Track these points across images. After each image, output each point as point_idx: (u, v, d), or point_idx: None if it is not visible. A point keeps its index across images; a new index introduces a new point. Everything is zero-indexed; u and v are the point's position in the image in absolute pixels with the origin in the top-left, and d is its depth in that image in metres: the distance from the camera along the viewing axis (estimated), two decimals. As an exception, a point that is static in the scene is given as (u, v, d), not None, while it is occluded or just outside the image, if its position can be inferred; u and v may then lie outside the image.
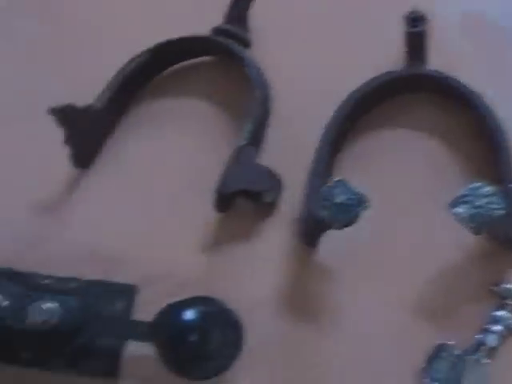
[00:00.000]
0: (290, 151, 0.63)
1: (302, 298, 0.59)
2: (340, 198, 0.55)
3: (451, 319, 0.56)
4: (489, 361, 0.54)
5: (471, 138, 0.62)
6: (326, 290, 0.58)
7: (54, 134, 0.62)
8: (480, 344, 0.55)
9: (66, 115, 0.61)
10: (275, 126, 0.64)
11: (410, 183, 0.61)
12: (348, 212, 0.55)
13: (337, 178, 0.56)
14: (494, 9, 0.68)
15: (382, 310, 0.57)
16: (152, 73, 0.67)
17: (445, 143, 0.62)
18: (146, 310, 0.57)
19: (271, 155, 0.62)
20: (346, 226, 0.55)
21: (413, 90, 0.64)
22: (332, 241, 0.58)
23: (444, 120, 0.63)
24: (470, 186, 0.55)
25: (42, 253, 0.62)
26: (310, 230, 0.57)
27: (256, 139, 0.62)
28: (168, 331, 0.53)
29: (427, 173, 0.61)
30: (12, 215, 0.64)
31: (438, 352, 0.54)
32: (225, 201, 0.60)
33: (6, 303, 0.56)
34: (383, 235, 0.59)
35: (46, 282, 0.60)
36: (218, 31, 0.66)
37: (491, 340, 0.55)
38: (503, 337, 0.55)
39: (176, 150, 0.65)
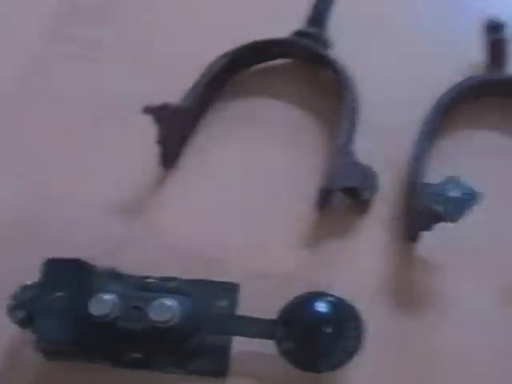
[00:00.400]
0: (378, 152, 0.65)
1: (405, 291, 0.60)
2: (454, 193, 0.57)
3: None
4: None
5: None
6: (429, 284, 0.60)
7: (137, 135, 0.63)
8: None
9: (161, 114, 0.61)
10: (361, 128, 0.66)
11: None
12: (461, 206, 0.57)
13: (449, 176, 0.58)
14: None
15: (482, 295, 0.59)
16: (235, 73, 0.68)
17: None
18: (249, 308, 0.58)
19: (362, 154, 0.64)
20: (456, 220, 0.57)
21: (493, 95, 0.66)
22: (430, 236, 0.61)
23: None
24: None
25: (133, 253, 0.62)
26: (423, 224, 0.59)
27: (351, 139, 0.63)
28: (301, 324, 0.53)
29: None
30: (101, 215, 0.63)
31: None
32: (327, 198, 0.61)
33: (118, 302, 0.56)
34: (484, 229, 0.61)
35: (149, 281, 0.60)
36: (300, 34, 0.67)
37: None
38: None
39: (260, 150, 0.66)
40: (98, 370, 0.58)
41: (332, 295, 0.55)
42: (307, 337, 0.53)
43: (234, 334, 0.57)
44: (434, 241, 0.61)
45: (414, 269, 0.61)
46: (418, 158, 0.61)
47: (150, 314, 0.54)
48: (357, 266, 0.61)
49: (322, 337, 0.53)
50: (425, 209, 0.58)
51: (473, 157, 0.64)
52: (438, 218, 0.57)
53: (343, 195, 0.62)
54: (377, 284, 0.60)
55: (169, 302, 0.55)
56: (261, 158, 0.65)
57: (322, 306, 0.54)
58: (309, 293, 0.55)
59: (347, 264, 0.61)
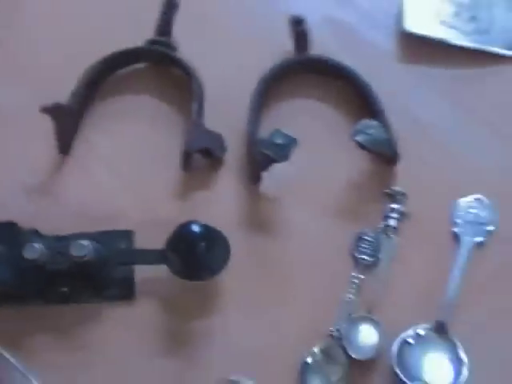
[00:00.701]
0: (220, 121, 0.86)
1: (256, 221, 0.82)
2: (279, 140, 0.79)
3: (363, 215, 0.82)
4: (394, 236, 0.80)
5: (354, 103, 0.88)
6: (273, 214, 0.82)
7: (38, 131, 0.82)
8: (386, 226, 0.81)
9: (55, 112, 0.80)
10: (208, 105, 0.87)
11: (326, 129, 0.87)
12: (285, 150, 0.79)
13: (275, 129, 0.80)
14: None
15: (313, 218, 0.82)
16: (108, 76, 0.88)
17: (335, 110, 0.89)
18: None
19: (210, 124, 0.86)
20: (284, 160, 0.79)
21: (302, 72, 0.89)
22: (269, 178, 0.83)
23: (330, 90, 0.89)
24: (362, 122, 0.81)
25: (44, 222, 0.80)
26: (260, 166, 0.80)
27: (200, 114, 0.84)
28: (183, 244, 0.74)
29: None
30: (15, 194, 0.82)
31: (360, 236, 0.80)
32: (189, 160, 0.82)
33: (45, 250, 0.74)
34: (304, 169, 0.84)
35: (63, 235, 0.78)
36: (153, 42, 0.88)
37: (392, 222, 0.81)
38: (400, 220, 0.81)
39: (134, 133, 0.87)
40: (32, 312, 0.76)
41: (205, 224, 0.76)
42: (188, 252, 0.74)
43: (134, 263, 0.77)
44: (273, 181, 0.83)
45: (260, 204, 0.83)
46: (252, 121, 0.84)
47: (70, 251, 0.73)
48: (218, 208, 0.82)
49: (199, 250, 0.74)
50: (259, 155, 0.79)
51: (291, 116, 0.87)
52: (270, 160, 0.79)
53: (201, 156, 0.83)
54: (234, 219, 0.82)
55: (84, 242, 0.74)
56: (135, 140, 0.86)
57: (195, 228, 0.74)
58: (185, 222, 0.75)
59: (211, 207, 0.82)
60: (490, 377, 0.74)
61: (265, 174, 0.83)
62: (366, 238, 0.80)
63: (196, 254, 0.74)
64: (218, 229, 0.76)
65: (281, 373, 0.74)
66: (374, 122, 0.81)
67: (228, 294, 0.78)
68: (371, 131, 0.80)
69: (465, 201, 0.83)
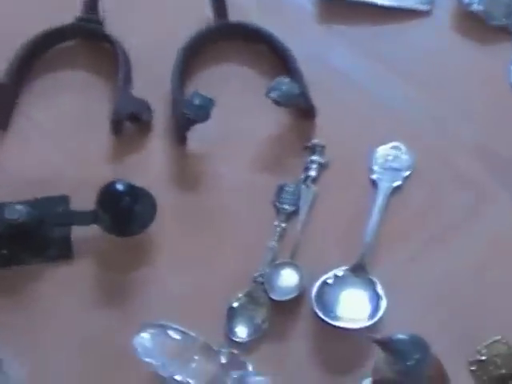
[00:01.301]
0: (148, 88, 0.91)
1: (185, 178, 0.87)
2: (197, 101, 0.83)
3: (284, 168, 0.86)
4: (314, 186, 0.85)
5: (273, 65, 0.92)
6: (201, 170, 0.87)
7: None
8: (306, 176, 0.85)
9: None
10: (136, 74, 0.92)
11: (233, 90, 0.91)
12: (203, 110, 0.83)
13: (194, 91, 0.84)
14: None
15: (239, 172, 0.86)
16: (41, 53, 0.92)
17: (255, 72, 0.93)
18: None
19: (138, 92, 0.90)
20: (205, 119, 0.84)
21: (223, 38, 0.94)
22: (195, 138, 0.87)
23: (250, 54, 0.94)
24: (275, 80, 0.86)
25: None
26: (181, 128, 0.85)
27: (128, 83, 0.89)
28: (107, 202, 0.78)
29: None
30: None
31: (282, 187, 0.84)
32: (119, 126, 0.87)
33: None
34: (228, 127, 0.89)
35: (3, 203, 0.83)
36: (81, 19, 0.92)
37: (312, 173, 0.85)
38: (319, 170, 0.86)
39: (68, 105, 0.91)
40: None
41: (129, 183, 0.81)
42: (114, 209, 0.79)
43: (68, 225, 0.82)
44: (199, 140, 0.87)
45: (188, 162, 0.88)
46: (176, 87, 0.88)
47: (5, 215, 0.78)
48: (149, 169, 0.87)
49: (123, 206, 0.78)
50: (181, 116, 0.84)
51: (214, 80, 0.92)
52: (191, 120, 0.84)
53: (130, 122, 0.88)
54: (164, 178, 0.87)
55: (17, 206, 0.79)
56: (70, 110, 0.91)
57: (119, 186, 0.79)
58: (109, 181, 0.80)
59: (142, 169, 0.87)
60: (407, 311, 0.79)
61: (191, 135, 0.87)
62: (287, 188, 0.85)
63: (121, 210, 0.79)
64: (146, 187, 0.81)
65: (210, 317, 0.79)
66: (286, 79, 0.85)
67: (160, 246, 0.83)
68: (284, 87, 0.84)
69: (383, 149, 0.87)
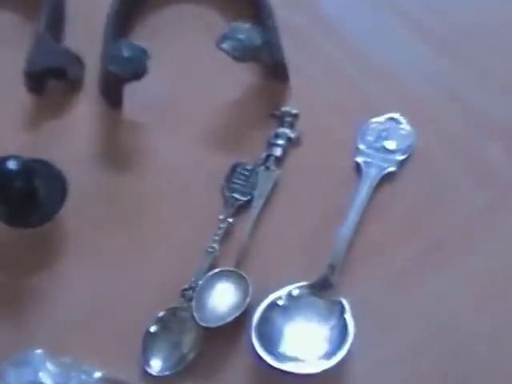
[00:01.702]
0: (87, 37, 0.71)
1: (117, 152, 0.67)
2: (127, 53, 0.63)
3: (242, 143, 0.65)
4: (276, 169, 0.64)
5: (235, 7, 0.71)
6: (137, 143, 0.67)
7: None
8: (268, 156, 0.64)
9: None
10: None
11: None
12: (136, 63, 0.63)
13: (124, 40, 0.64)
14: None
15: (184, 148, 0.66)
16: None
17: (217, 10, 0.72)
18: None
19: (72, 41, 0.71)
20: (138, 77, 0.64)
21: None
22: (132, 100, 0.67)
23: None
24: (231, 25, 0.64)
25: None
26: (109, 88, 0.65)
27: (54, 28, 0.69)
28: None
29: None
30: None
31: (234, 170, 0.64)
32: (35, 81, 0.68)
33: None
34: (174, 89, 0.68)
35: None
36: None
37: (277, 151, 0.64)
38: (286, 149, 0.65)
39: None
40: None
41: (35, 159, 0.62)
42: (8, 192, 0.60)
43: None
44: (138, 105, 0.67)
45: (122, 132, 0.68)
46: (110, 34, 0.68)
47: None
48: (74, 139, 0.68)
49: (19, 188, 0.60)
50: (105, 73, 0.64)
51: (162, 26, 0.72)
52: (118, 78, 0.64)
53: (55, 79, 0.69)
54: (91, 151, 0.67)
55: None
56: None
57: (13, 164, 0.59)
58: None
59: (65, 138, 0.68)
60: (382, 350, 0.57)
61: (128, 98, 0.67)
62: (240, 170, 0.64)
63: (16, 195, 0.60)
64: (66, 163, 0.62)
65: (123, 342, 0.59)
66: (245, 25, 0.64)
67: (68, 244, 0.63)
68: (241, 36, 0.63)
69: (374, 122, 0.65)
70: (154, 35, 0.70)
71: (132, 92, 0.67)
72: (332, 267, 0.59)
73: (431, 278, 0.59)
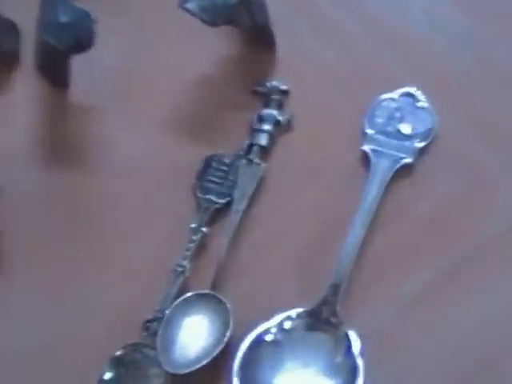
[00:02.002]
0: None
1: (62, 143, 0.53)
2: (64, 18, 0.49)
3: (217, 130, 0.52)
4: (262, 162, 0.50)
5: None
6: (87, 130, 0.54)
7: None
8: (251, 145, 0.51)
9: None
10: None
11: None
12: (76, 31, 0.49)
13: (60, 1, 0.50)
14: None
15: (145, 137, 0.53)
16: None
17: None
18: None
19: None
20: (82, 49, 0.50)
21: None
22: (80, 78, 0.54)
23: None
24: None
25: None
26: (49, 61, 0.51)
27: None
28: None
29: None
30: None
31: (206, 166, 0.50)
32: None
33: None
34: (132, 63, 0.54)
35: None
36: None
37: (262, 139, 0.51)
38: (273, 136, 0.51)
39: None
40: None
41: None
42: None
43: None
44: (86, 85, 0.54)
45: (68, 117, 0.54)
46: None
47: None
48: (7, 126, 0.54)
49: None
50: (42, 43, 0.50)
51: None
52: (56, 50, 0.50)
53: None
54: (31, 142, 0.54)
55: None
56: None
57: None
58: None
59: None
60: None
61: (74, 74, 0.54)
62: (216, 165, 0.51)
63: None
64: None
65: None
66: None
67: (7, 258, 0.50)
68: (212, -7, 0.49)
69: (385, 99, 0.52)
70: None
71: (80, 68, 0.53)
72: (335, 289, 0.46)
73: (459, 302, 0.46)
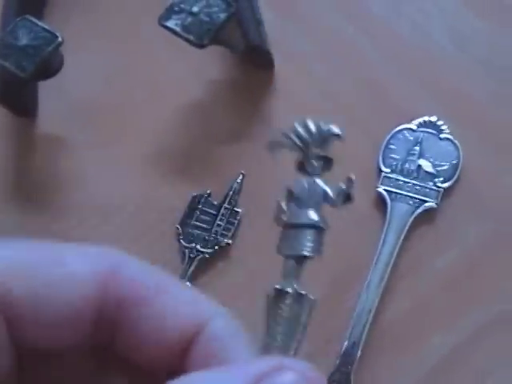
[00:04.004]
0: None
1: (27, 180, 0.46)
2: (25, 40, 0.42)
3: (206, 166, 0.44)
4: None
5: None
6: (56, 165, 0.46)
7: None
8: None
9: None
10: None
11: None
12: (37, 55, 0.42)
13: (19, 18, 0.43)
14: None
15: (122, 173, 0.45)
16: None
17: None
18: None
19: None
20: (48, 75, 0.43)
21: None
22: (50, 106, 0.46)
23: None
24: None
25: None
26: (10, 90, 0.44)
27: None
28: None
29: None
30: None
31: (192, 208, 0.43)
32: None
33: None
34: (108, 88, 0.47)
35: None
36: None
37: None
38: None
39: None
40: None
41: None
42: None
43: None
44: (56, 115, 0.47)
45: (36, 150, 0.47)
46: (8, 18, 0.46)
47: None
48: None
49: None
50: (1, 70, 0.43)
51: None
52: (14, 77, 0.42)
53: None
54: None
55: None
56: None
57: None
58: None
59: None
60: None
61: (42, 101, 0.46)
62: (206, 209, 0.43)
63: None
64: None
65: None
66: (197, -5, 0.42)
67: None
68: (196, 9, 0.42)
69: (402, 130, 0.44)
70: (77, 11, 0.48)
71: (48, 95, 0.46)
72: (348, 358, 0.39)
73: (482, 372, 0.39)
